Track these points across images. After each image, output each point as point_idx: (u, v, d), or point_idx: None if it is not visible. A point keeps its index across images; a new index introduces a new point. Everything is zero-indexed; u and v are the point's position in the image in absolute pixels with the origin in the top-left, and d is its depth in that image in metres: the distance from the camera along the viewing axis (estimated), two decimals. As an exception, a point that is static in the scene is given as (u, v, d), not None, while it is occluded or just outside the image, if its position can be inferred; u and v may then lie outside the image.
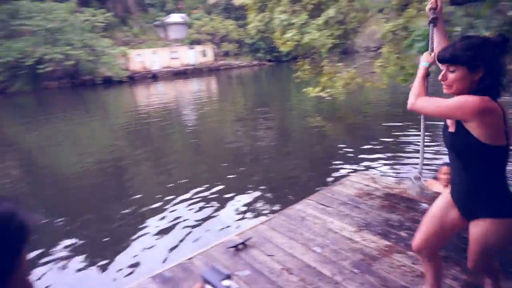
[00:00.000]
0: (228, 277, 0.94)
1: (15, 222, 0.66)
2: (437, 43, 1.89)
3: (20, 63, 26.84)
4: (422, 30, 3.05)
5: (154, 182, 6.71)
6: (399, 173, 5.79)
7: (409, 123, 8.74)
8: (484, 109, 1.45)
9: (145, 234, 4.50)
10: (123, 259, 4.00)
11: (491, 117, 1.47)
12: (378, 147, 7.32)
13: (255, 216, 4.61)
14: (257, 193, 5.46)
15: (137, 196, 5.85)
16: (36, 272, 3.83)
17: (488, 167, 1.57)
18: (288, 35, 6.26)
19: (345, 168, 6.11)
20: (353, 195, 3.61)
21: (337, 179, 4.87)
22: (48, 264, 4.01)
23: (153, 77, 34.89)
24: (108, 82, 30.09)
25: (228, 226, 4.42)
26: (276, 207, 4.73)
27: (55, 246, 4.37)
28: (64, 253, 4.24)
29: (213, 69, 38.87)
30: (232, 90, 24.11)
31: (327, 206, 3.41)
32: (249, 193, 5.49)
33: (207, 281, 0.94)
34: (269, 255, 2.67)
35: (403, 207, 3.30)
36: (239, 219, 4.64)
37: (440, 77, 1.62)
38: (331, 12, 5.89)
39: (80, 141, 11.58)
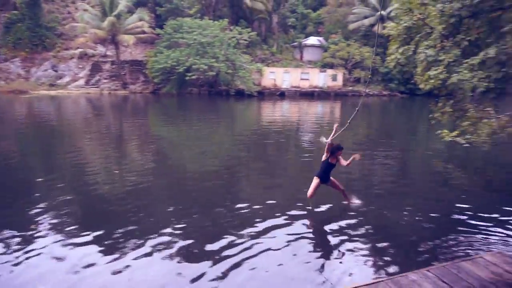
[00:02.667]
0: None
1: None
2: None
3: (173, 70, 31.27)
4: None
5: (260, 199, 6.71)
6: None
7: None
8: None
9: (232, 255, 4.40)
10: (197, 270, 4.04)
11: None
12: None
13: (357, 271, 4.02)
14: (362, 241, 4.88)
15: (239, 211, 5.95)
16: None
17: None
18: (433, 72, 5.61)
19: (479, 241, 4.96)
20: (487, 279, 2.88)
21: (467, 253, 4.01)
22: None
23: (281, 94, 36.31)
24: (240, 94, 32.55)
25: (326, 280, 3.87)
26: (382, 269, 4.06)
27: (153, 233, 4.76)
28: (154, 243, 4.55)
29: (340, 94, 38.36)
30: (356, 117, 23.23)
31: (450, 286, 2.79)
32: (352, 239, 4.96)
33: None
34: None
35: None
36: (339, 272, 4.08)
37: None
38: (491, 51, 5.05)
39: (205, 143, 12.70)
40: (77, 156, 10.24)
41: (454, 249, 4.63)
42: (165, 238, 4.88)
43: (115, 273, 4.03)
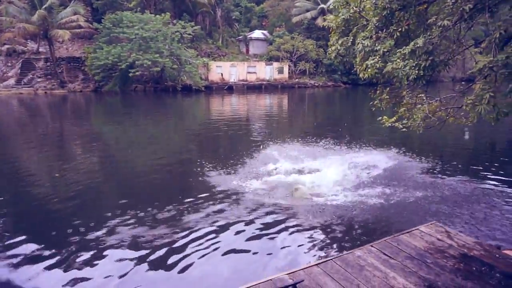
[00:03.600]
0: None
1: None
2: None
3: (115, 66, 29.83)
4: None
5: (211, 192, 6.69)
6: (482, 232, 5.05)
7: (502, 171, 7.72)
8: None
9: (187, 255, 4.36)
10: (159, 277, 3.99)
11: None
12: (458, 196, 6.51)
13: (310, 255, 4.27)
14: (314, 228, 5.12)
15: (190, 206, 5.92)
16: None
17: None
18: (370, 62, 5.96)
19: (418, 215, 5.47)
20: (422, 249, 3.18)
21: (405, 226, 4.37)
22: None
23: (229, 88, 36.26)
24: (187, 90, 31.96)
25: (279, 260, 4.15)
26: (333, 249, 4.37)
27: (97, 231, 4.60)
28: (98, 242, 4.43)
29: (287, 86, 39.21)
30: (303, 108, 23.94)
31: (391, 258, 3.04)
32: (305, 226, 5.19)
33: None
34: (319, 304, 2.43)
35: (483, 276, 2.80)
36: (292, 254, 4.32)
37: None
38: (419, 41, 5.47)
39: (153, 140, 12.38)
40: (12, 162, 9.45)
41: (396, 225, 5.06)
42: (110, 236, 4.74)
43: (66, 270, 3.88)
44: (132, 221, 5.30)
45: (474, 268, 2.90)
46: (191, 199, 6.15)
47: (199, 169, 8.12)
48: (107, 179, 7.79)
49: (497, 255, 3.16)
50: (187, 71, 31.90)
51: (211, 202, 6.06)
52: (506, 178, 7.47)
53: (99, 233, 4.87)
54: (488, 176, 7.65)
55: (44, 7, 29.86)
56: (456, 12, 5.54)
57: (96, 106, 25.15)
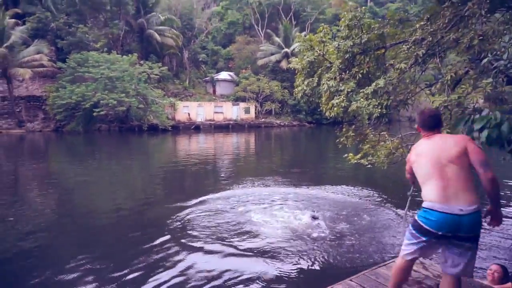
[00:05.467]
0: None
1: None
2: None
3: (78, 106, 29.13)
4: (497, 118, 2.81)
5: (180, 234, 6.46)
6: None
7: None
8: None
9: None
10: None
11: None
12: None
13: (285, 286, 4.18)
14: (289, 261, 5.06)
15: (160, 248, 5.67)
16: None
17: None
18: (336, 101, 6.25)
19: (396, 245, 5.58)
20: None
21: (383, 258, 4.42)
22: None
23: (196, 128, 36.27)
24: (154, 129, 31.60)
25: None
26: (311, 283, 4.30)
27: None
28: None
29: (253, 125, 39.87)
30: (270, 147, 24.28)
31: (369, 292, 3.03)
32: (279, 258, 5.11)
33: None
34: None
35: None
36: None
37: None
38: (381, 82, 5.84)
39: (117, 181, 11.92)
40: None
41: (376, 257, 5.12)
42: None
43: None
44: (89, 266, 4.96)
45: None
46: (151, 243, 5.86)
47: (162, 209, 7.88)
48: (62, 223, 7.31)
49: (471, 284, 3.24)
50: (153, 110, 31.73)
51: (172, 243, 5.84)
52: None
53: (56, 278, 4.49)
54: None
55: (5, 45, 29.13)
56: (411, 56, 6.02)
57: (56, 146, 24.12)
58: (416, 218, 2.51)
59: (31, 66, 30.58)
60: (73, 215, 7.97)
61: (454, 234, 2.35)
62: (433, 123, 2.65)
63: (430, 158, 2.49)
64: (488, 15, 4.49)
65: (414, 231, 2.51)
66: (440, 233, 2.37)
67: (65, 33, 34.66)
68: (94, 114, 28.82)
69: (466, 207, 2.31)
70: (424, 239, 2.45)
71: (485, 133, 2.80)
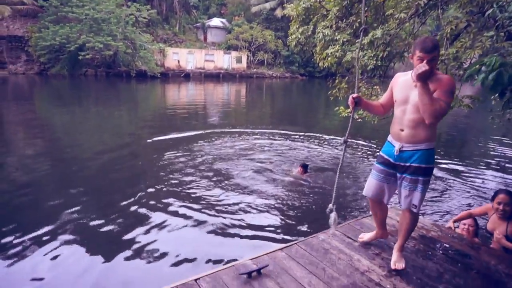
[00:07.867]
0: None
1: None
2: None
3: (63, 48, 27.86)
4: (491, 61, 2.70)
5: (165, 179, 6.44)
6: (440, 213, 5.34)
7: (451, 157, 8.21)
8: None
9: (146, 244, 4.13)
10: (118, 271, 3.70)
11: None
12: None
13: (274, 240, 4.25)
14: (278, 214, 5.13)
15: (143, 193, 5.67)
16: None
17: None
18: (330, 50, 6.02)
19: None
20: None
21: (369, 209, 4.49)
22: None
23: (185, 76, 35.40)
24: (142, 76, 30.72)
25: (242, 247, 4.10)
26: (297, 233, 4.39)
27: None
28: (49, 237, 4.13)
29: (245, 76, 39.08)
30: (261, 99, 23.98)
31: (355, 241, 3.10)
32: (269, 211, 5.17)
33: None
34: (284, 289, 2.40)
35: (441, 255, 2.94)
36: (255, 240, 4.29)
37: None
38: (378, 32, 5.60)
39: (104, 127, 11.76)
40: None
41: (361, 209, 5.25)
42: (60, 230, 4.41)
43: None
44: (80, 210, 4.97)
45: (433, 249, 3.04)
46: (141, 191, 5.85)
47: (150, 159, 7.83)
48: (51, 168, 7.23)
49: (452, 235, 3.34)
50: (142, 56, 30.62)
51: (164, 190, 5.86)
52: (455, 164, 8.01)
53: (48, 227, 4.50)
54: (442, 162, 8.10)
55: (-21, -21, 27.04)
56: (412, 6, 5.73)
57: (41, 90, 23.36)
58: None
59: (10, 3, 28.67)
60: (60, 158, 7.89)
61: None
62: (431, 46, 2.36)
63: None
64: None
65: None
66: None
67: (46, -32, 32.12)
68: (80, 57, 27.70)
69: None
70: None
71: (481, 75, 2.71)
